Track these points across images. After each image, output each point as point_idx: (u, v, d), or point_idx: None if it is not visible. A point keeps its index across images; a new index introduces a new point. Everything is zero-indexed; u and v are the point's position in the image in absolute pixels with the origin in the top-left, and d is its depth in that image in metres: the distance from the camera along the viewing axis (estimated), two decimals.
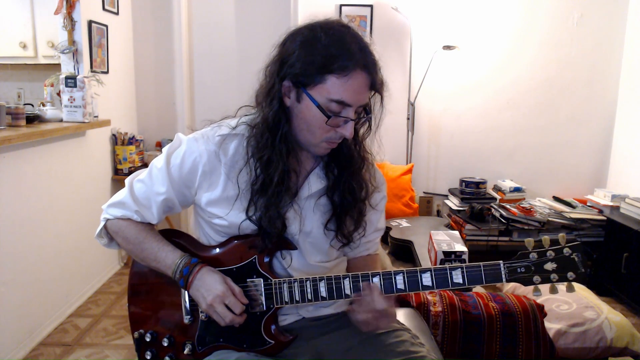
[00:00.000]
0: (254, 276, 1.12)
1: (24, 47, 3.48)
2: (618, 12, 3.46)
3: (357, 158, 1.15)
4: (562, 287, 1.06)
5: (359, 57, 1.00)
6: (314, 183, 1.15)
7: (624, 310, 2.78)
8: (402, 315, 1.56)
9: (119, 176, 3.28)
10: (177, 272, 1.10)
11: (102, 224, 1.19)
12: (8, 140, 2.07)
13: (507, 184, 3.48)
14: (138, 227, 1.15)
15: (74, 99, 2.66)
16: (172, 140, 1.16)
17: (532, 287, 1.06)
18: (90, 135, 2.98)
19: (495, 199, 3.39)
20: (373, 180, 1.20)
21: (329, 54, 0.99)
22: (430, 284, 1.06)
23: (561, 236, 1.05)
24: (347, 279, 1.09)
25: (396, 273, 1.07)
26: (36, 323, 2.41)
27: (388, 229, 2.92)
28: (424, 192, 3.71)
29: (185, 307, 1.14)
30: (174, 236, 1.20)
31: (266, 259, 1.13)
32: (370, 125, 1.13)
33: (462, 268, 1.05)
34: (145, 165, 3.48)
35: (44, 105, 2.82)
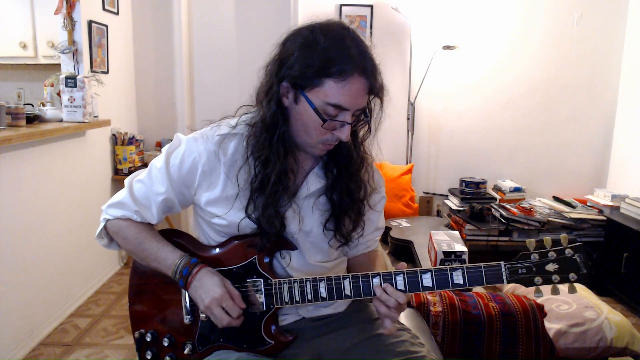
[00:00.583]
0: (254, 276, 1.12)
1: (24, 47, 3.48)
2: (618, 12, 3.46)
3: (356, 159, 1.15)
4: (563, 288, 1.06)
5: (357, 62, 1.00)
6: (313, 182, 1.16)
7: (624, 310, 2.78)
8: (402, 315, 1.56)
9: (119, 176, 3.28)
10: (177, 272, 1.10)
11: (102, 224, 1.19)
12: (8, 140, 2.07)
13: (507, 184, 3.48)
14: (138, 228, 1.15)
15: (74, 99, 2.66)
16: (172, 140, 1.16)
17: (533, 287, 1.05)
18: (90, 135, 2.98)
19: (495, 199, 3.39)
20: (372, 181, 1.20)
21: (327, 57, 0.99)
22: (430, 284, 1.06)
23: (563, 237, 1.04)
24: (347, 279, 1.09)
25: (396, 274, 1.07)
26: (36, 323, 2.41)
27: (388, 229, 2.92)
28: (424, 192, 3.71)
29: (185, 307, 1.14)
30: (174, 236, 1.20)
31: (266, 259, 1.13)
32: (370, 127, 1.13)
33: (462, 269, 1.05)
34: (145, 165, 3.48)
35: (44, 105, 2.82)
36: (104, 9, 3.11)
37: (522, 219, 3.00)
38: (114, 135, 3.28)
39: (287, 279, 1.12)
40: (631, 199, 3.02)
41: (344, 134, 1.04)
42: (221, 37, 3.75)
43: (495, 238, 3.01)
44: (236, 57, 3.77)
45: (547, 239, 1.04)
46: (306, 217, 1.15)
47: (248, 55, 3.74)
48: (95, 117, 2.86)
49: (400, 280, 1.07)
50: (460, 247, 2.18)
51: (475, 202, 3.27)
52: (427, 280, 1.06)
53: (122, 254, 3.41)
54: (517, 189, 3.43)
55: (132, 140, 3.34)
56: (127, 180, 1.18)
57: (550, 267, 1.04)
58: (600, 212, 3.16)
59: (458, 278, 1.05)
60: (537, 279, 1.04)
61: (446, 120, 3.64)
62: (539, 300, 1.90)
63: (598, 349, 2.04)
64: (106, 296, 2.93)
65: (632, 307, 2.78)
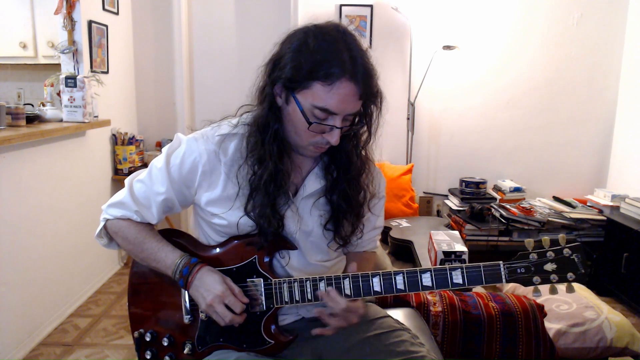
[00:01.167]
0: (254, 276, 1.12)
1: (24, 47, 3.48)
2: (618, 12, 3.46)
3: (357, 162, 1.15)
4: (562, 287, 1.06)
5: (347, 66, 0.99)
6: (312, 183, 1.16)
7: (624, 310, 2.78)
8: (402, 315, 1.56)
9: (119, 176, 3.28)
10: (177, 272, 1.10)
11: (101, 224, 1.19)
12: (8, 140, 2.07)
13: (507, 184, 3.48)
14: (138, 227, 1.15)
15: (74, 99, 2.66)
16: (172, 140, 1.16)
17: (532, 287, 1.06)
18: (90, 135, 2.98)
19: (495, 199, 3.39)
20: (371, 185, 1.20)
21: (316, 60, 0.99)
22: (430, 284, 1.06)
23: (561, 237, 1.05)
24: (347, 279, 1.09)
25: (396, 273, 1.07)
26: (36, 323, 2.41)
27: (388, 228, 2.92)
28: (424, 192, 3.71)
29: (185, 306, 1.14)
30: (174, 236, 1.20)
31: (266, 259, 1.13)
32: (369, 132, 1.13)
33: (462, 268, 1.05)
34: (145, 165, 3.48)
35: (44, 105, 2.83)
36: (104, 9, 3.11)
37: (522, 219, 3.00)
38: (114, 135, 3.28)
39: (287, 279, 1.12)
40: (631, 199, 3.02)
41: (333, 138, 1.04)
42: (221, 37, 3.75)
43: (495, 238, 3.01)
44: (236, 57, 3.77)
45: (546, 239, 1.05)
46: (305, 217, 1.15)
47: (248, 55, 3.74)
48: (95, 117, 2.86)
49: (400, 279, 1.07)
50: (460, 247, 2.18)
51: (475, 202, 3.28)
52: (426, 279, 1.06)
53: (122, 254, 3.41)
54: (517, 189, 3.43)
55: (132, 140, 3.34)
56: (127, 180, 1.18)
57: (549, 266, 1.04)
58: (600, 212, 3.16)
59: (457, 278, 1.05)
60: (536, 279, 1.04)
61: (446, 120, 3.64)
62: (538, 300, 1.90)
63: (598, 349, 2.04)
64: (106, 296, 2.93)
65: (632, 307, 2.78)
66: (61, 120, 2.68)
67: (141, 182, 1.16)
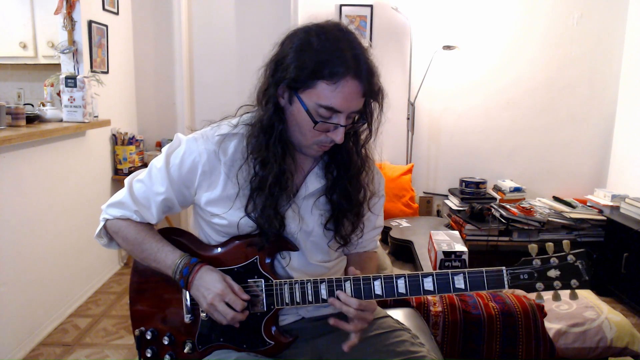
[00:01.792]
0: (255, 276, 1.12)
1: (24, 47, 3.48)
2: (618, 12, 3.46)
3: (357, 161, 1.15)
4: (565, 293, 1.05)
5: (351, 64, 0.99)
6: (312, 183, 1.16)
7: (624, 310, 2.78)
8: (402, 315, 1.56)
9: (119, 176, 3.28)
10: (177, 272, 1.10)
11: (101, 224, 1.19)
12: (8, 140, 2.07)
13: (507, 184, 3.48)
14: (137, 227, 1.15)
15: (74, 99, 2.66)
16: (172, 140, 1.16)
17: (535, 293, 1.05)
18: (90, 135, 2.98)
19: (495, 199, 3.39)
20: (371, 184, 1.20)
21: (320, 59, 0.99)
22: (432, 288, 1.06)
23: (565, 243, 1.03)
24: (349, 281, 1.09)
25: (398, 277, 1.07)
26: (36, 323, 2.41)
27: (388, 228, 2.92)
28: (424, 192, 3.71)
29: (186, 305, 1.14)
30: (175, 235, 1.20)
31: (267, 260, 1.13)
32: (370, 130, 1.13)
33: (464, 273, 1.05)
34: (145, 165, 3.48)
35: (44, 105, 2.82)
36: (104, 9, 3.11)
37: (522, 219, 3.00)
38: (114, 135, 3.28)
39: (288, 280, 1.12)
40: (631, 199, 3.02)
41: (338, 136, 1.04)
42: (221, 37, 3.75)
43: (495, 238, 3.01)
44: (236, 57, 3.77)
45: (550, 244, 1.03)
46: (306, 217, 1.15)
47: (248, 55, 3.74)
48: (95, 117, 2.86)
49: (401, 283, 1.07)
50: (460, 247, 2.18)
51: (475, 202, 3.27)
52: (428, 284, 1.06)
53: (122, 254, 3.41)
54: (517, 189, 3.43)
55: (132, 140, 3.34)
56: (127, 180, 1.18)
57: (552, 273, 1.03)
58: (600, 212, 3.16)
59: (459, 283, 1.05)
60: (539, 285, 1.03)
61: (446, 120, 3.64)
62: (538, 302, 1.89)
63: (598, 349, 2.04)
64: (106, 296, 2.93)
65: (632, 307, 2.78)
66: (61, 120, 2.68)
67: (141, 182, 1.16)
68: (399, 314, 1.55)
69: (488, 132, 3.64)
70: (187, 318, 1.14)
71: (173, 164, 1.12)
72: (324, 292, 1.09)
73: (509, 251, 2.98)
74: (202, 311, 1.13)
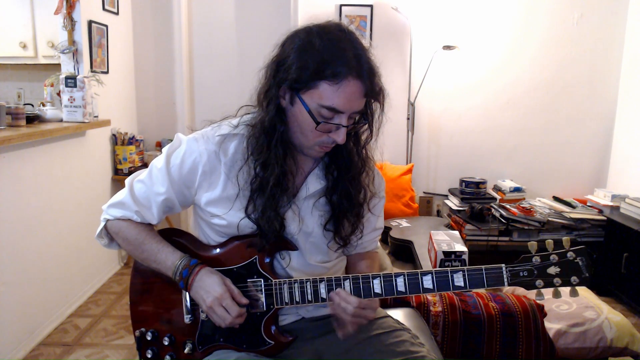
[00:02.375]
0: (255, 276, 1.12)
1: (24, 47, 3.48)
2: (618, 12, 3.46)
3: (357, 162, 1.15)
4: (565, 291, 1.05)
5: (353, 64, 0.99)
6: (313, 184, 1.16)
7: (624, 310, 2.78)
8: (402, 315, 1.56)
9: (119, 176, 3.28)
10: (177, 274, 1.10)
11: (102, 224, 1.19)
12: (8, 140, 2.07)
13: (507, 184, 3.48)
14: (138, 228, 1.16)
15: (74, 99, 2.66)
16: (172, 140, 1.16)
17: (534, 290, 1.05)
18: (90, 135, 2.98)
19: (495, 199, 3.39)
20: (371, 185, 1.20)
21: (322, 59, 0.99)
22: (431, 286, 1.06)
23: (565, 240, 1.03)
24: (348, 280, 1.09)
25: (397, 275, 1.07)
26: (36, 323, 2.41)
27: (388, 228, 2.92)
28: (424, 192, 3.71)
29: (186, 306, 1.14)
30: (175, 235, 1.20)
31: (267, 260, 1.13)
32: (371, 130, 1.13)
33: (463, 271, 1.05)
34: (145, 165, 3.48)
35: (44, 105, 2.82)
36: (104, 9, 3.11)
37: (522, 219, 3.00)
38: (114, 135, 3.28)
39: (287, 280, 1.12)
40: (631, 199, 3.02)
41: (340, 136, 1.04)
42: (221, 37, 3.75)
43: (495, 238, 3.01)
44: (236, 57, 3.77)
45: (549, 241, 1.03)
46: (306, 217, 1.15)
47: (248, 55, 3.74)
48: (95, 117, 2.86)
49: (400, 281, 1.07)
50: (460, 247, 2.18)
51: (475, 202, 3.27)
52: (427, 282, 1.06)
53: (122, 254, 3.41)
54: (517, 189, 3.43)
55: (132, 140, 3.34)
56: (127, 181, 1.18)
57: (552, 270, 1.03)
58: (600, 212, 3.16)
59: (459, 280, 1.05)
60: (539, 282, 1.03)
61: (446, 120, 3.64)
62: (538, 301, 1.89)
63: (598, 349, 2.04)
64: (106, 296, 2.93)
65: (632, 307, 2.78)
66: (61, 120, 2.68)
67: (141, 183, 1.16)
68: (399, 314, 1.55)
69: (488, 132, 3.64)
70: (187, 319, 1.14)
71: (174, 164, 1.12)
72: (323, 292, 1.09)
73: (509, 251, 2.98)
74: (202, 312, 1.13)
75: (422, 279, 1.06)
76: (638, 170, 3.30)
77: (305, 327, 1.20)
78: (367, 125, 1.12)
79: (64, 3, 2.76)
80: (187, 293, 1.13)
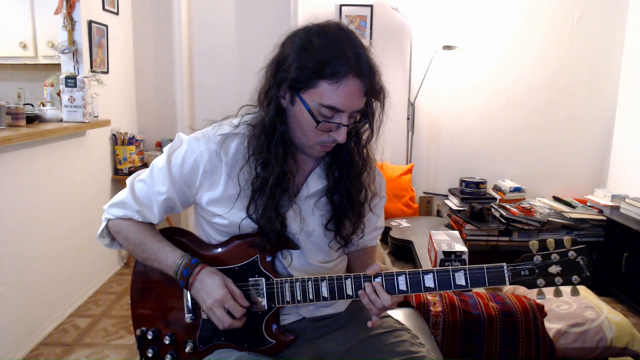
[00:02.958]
0: (256, 275, 1.12)
1: (24, 47, 3.48)
2: (618, 12, 3.46)
3: (358, 161, 1.15)
4: (566, 290, 1.05)
5: (352, 63, 1.00)
6: (314, 183, 1.16)
7: (624, 310, 2.78)
8: (402, 315, 1.56)
9: (119, 176, 3.28)
10: (178, 273, 1.10)
11: (103, 224, 1.19)
12: (8, 140, 2.07)
13: (507, 184, 3.49)
14: (139, 227, 1.16)
15: (74, 99, 2.66)
16: (172, 140, 1.17)
17: (535, 289, 1.05)
18: (90, 135, 2.98)
19: (495, 199, 3.39)
20: (372, 184, 1.20)
21: (321, 59, 0.99)
22: (432, 285, 1.06)
23: (566, 239, 1.03)
24: (349, 279, 1.09)
25: (398, 274, 1.07)
26: (36, 323, 2.41)
27: (388, 228, 2.92)
28: (424, 192, 3.71)
29: (187, 305, 1.14)
30: (176, 234, 1.20)
31: (268, 258, 1.13)
32: (372, 129, 1.13)
33: (465, 270, 1.04)
34: (145, 165, 3.48)
35: (44, 105, 2.82)
36: (104, 9, 3.11)
37: (522, 219, 3.00)
38: (114, 135, 3.28)
39: (288, 279, 1.12)
40: (631, 199, 3.03)
41: (340, 135, 1.04)
42: (221, 37, 3.75)
43: (495, 238, 3.01)
44: (236, 57, 3.77)
45: (550, 240, 1.03)
46: (307, 217, 1.15)
47: (248, 55, 3.74)
48: (95, 117, 2.86)
49: (402, 280, 1.07)
50: (460, 247, 2.18)
51: (475, 202, 3.28)
52: (429, 281, 1.06)
53: (122, 254, 3.41)
54: (517, 189, 3.43)
55: (132, 140, 3.34)
56: (128, 180, 1.18)
57: (553, 269, 1.03)
58: (600, 212, 3.16)
59: (460, 279, 1.04)
60: (540, 281, 1.03)
61: (446, 120, 3.64)
62: (539, 301, 1.90)
63: (598, 349, 2.04)
64: (106, 296, 2.93)
65: (632, 307, 2.78)
66: (61, 120, 2.68)
67: (142, 182, 1.16)
68: (399, 314, 1.55)
69: (488, 132, 3.65)
70: (188, 318, 1.14)
71: (175, 163, 1.12)
72: (324, 290, 1.09)
73: (509, 251, 2.98)
74: (202, 311, 1.13)
75: (423, 277, 1.06)
76: (638, 170, 3.30)
77: (306, 327, 1.20)
78: (367, 125, 1.12)
79: (64, 3, 2.76)
80: (188, 292, 1.13)
